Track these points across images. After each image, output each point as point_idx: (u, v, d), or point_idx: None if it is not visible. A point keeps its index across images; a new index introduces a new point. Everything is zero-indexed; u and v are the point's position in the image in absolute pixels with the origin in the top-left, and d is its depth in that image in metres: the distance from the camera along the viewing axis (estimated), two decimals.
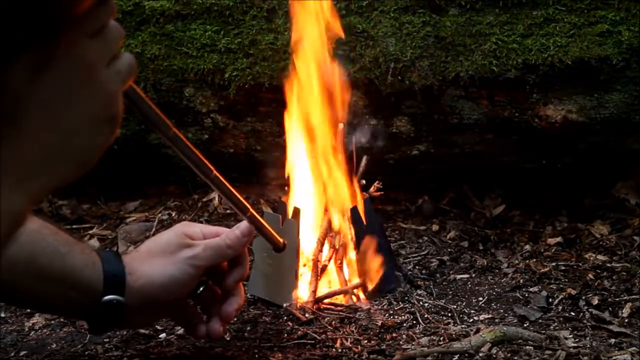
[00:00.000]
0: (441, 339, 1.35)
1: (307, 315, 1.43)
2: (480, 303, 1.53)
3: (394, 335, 1.37)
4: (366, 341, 1.35)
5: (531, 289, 1.58)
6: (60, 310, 1.23)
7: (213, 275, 1.23)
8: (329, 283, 1.57)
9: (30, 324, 1.48)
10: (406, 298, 1.54)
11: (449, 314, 1.47)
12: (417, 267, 1.72)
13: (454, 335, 1.35)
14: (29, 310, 1.52)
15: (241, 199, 1.18)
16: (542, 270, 1.66)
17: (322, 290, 1.53)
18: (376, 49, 1.90)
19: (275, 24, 1.96)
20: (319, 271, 1.52)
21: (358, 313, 1.46)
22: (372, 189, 1.65)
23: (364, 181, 1.62)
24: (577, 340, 1.35)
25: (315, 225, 1.59)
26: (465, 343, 1.30)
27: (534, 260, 1.73)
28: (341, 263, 1.56)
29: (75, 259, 1.10)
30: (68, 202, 2.17)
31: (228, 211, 2.05)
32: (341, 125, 1.61)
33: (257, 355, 1.30)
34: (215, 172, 1.10)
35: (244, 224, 1.22)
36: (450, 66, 1.87)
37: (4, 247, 0.68)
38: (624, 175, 1.99)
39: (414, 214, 2.05)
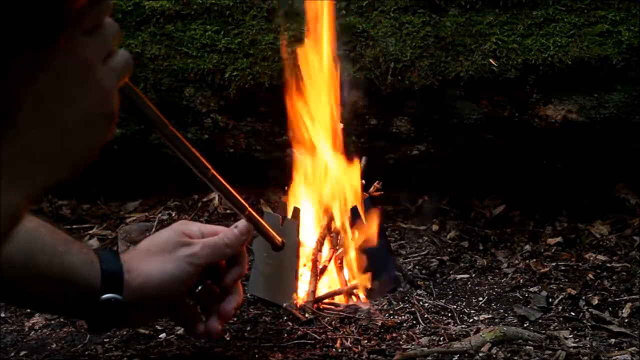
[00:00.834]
0: (441, 339, 1.35)
1: (307, 315, 1.43)
2: (480, 303, 1.53)
3: (394, 335, 1.37)
4: (366, 341, 1.35)
5: (531, 289, 1.58)
6: (59, 310, 1.23)
7: (211, 274, 1.23)
8: (329, 283, 1.57)
9: (30, 324, 1.48)
10: (406, 298, 1.54)
11: (449, 314, 1.47)
12: (417, 267, 1.72)
13: (454, 335, 1.35)
14: (29, 310, 1.52)
15: (239, 198, 1.18)
16: (542, 270, 1.66)
17: (322, 291, 1.53)
18: (376, 49, 1.90)
19: (275, 24, 1.96)
20: (318, 271, 1.52)
21: (358, 313, 1.46)
22: (372, 189, 1.65)
23: (363, 181, 1.62)
24: (577, 340, 1.35)
25: (315, 225, 1.59)
26: (465, 343, 1.30)
27: (534, 260, 1.73)
28: (341, 263, 1.56)
29: (73, 258, 1.10)
30: (68, 202, 2.17)
31: (228, 211, 2.05)
32: (341, 125, 1.61)
33: (257, 355, 1.30)
34: (213, 170, 1.10)
35: (242, 223, 1.22)
36: (450, 66, 1.87)
37: (2, 246, 0.68)
38: (624, 175, 1.99)
39: (414, 214, 2.05)
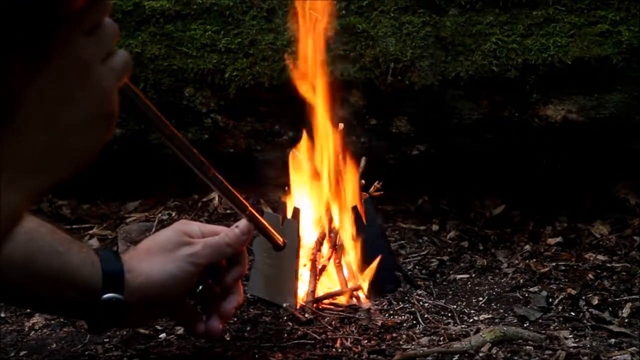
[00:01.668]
0: (441, 339, 1.35)
1: (307, 315, 1.43)
2: (480, 303, 1.53)
3: (394, 335, 1.37)
4: (366, 341, 1.35)
5: (531, 289, 1.58)
6: (59, 310, 1.23)
7: (212, 274, 1.23)
8: (329, 283, 1.57)
9: (30, 324, 1.48)
10: (406, 298, 1.54)
11: (449, 314, 1.47)
12: (417, 267, 1.72)
13: (454, 335, 1.35)
14: (29, 310, 1.52)
15: (240, 197, 1.18)
16: (542, 270, 1.66)
17: (322, 291, 1.53)
18: (376, 49, 1.90)
19: (275, 24, 1.96)
20: (317, 271, 1.52)
21: (358, 313, 1.46)
22: (372, 189, 1.65)
23: (363, 181, 1.62)
24: (577, 340, 1.35)
25: (315, 225, 1.59)
26: (465, 343, 1.30)
27: (534, 260, 1.73)
28: (340, 263, 1.56)
29: (73, 258, 1.10)
30: (68, 202, 2.17)
31: (228, 211, 2.05)
32: (341, 125, 1.61)
33: (257, 355, 1.30)
34: (213, 170, 1.10)
35: (243, 223, 1.22)
36: (450, 66, 1.87)
37: (2, 246, 0.68)
38: (624, 175, 1.99)
39: (414, 214, 2.05)
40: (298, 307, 1.47)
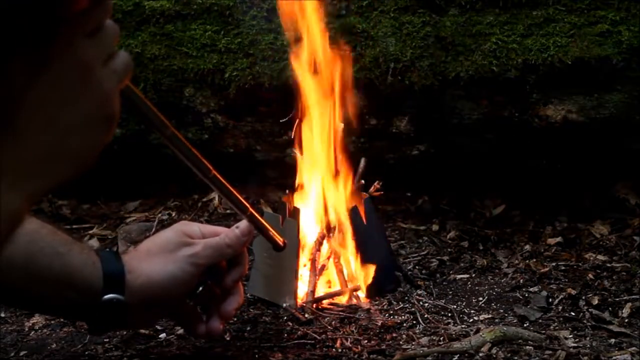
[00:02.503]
0: (441, 339, 1.35)
1: (307, 315, 1.43)
2: (480, 303, 1.53)
3: (394, 335, 1.37)
4: (366, 341, 1.35)
5: (531, 289, 1.58)
6: (59, 311, 1.23)
7: (212, 275, 1.23)
8: (329, 283, 1.57)
9: (30, 324, 1.48)
10: (406, 298, 1.54)
11: (449, 314, 1.47)
12: (417, 267, 1.72)
13: (454, 335, 1.35)
14: (29, 311, 1.52)
15: (240, 198, 1.18)
16: (542, 270, 1.66)
17: (322, 291, 1.53)
18: (376, 49, 1.90)
19: (275, 24, 1.96)
20: (317, 271, 1.52)
21: (358, 313, 1.46)
22: (372, 189, 1.65)
23: (363, 181, 1.62)
24: (577, 340, 1.35)
25: (315, 225, 1.59)
26: (465, 343, 1.30)
27: (534, 260, 1.73)
28: (340, 263, 1.56)
29: (74, 259, 1.10)
30: (68, 202, 2.17)
31: (228, 211, 2.05)
32: (341, 125, 1.61)
33: (257, 355, 1.30)
34: (214, 171, 1.10)
35: (243, 224, 1.22)
36: (450, 66, 1.87)
37: (2, 247, 0.68)
38: (624, 175, 1.99)
39: (414, 214, 2.05)
40: (298, 307, 1.47)
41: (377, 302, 1.52)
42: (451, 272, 1.69)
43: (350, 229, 1.56)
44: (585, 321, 1.43)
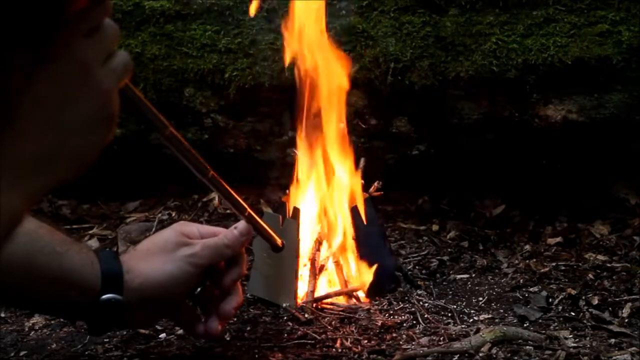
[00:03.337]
0: (441, 339, 1.35)
1: (307, 315, 1.43)
2: (480, 303, 1.53)
3: (394, 335, 1.37)
4: (366, 341, 1.35)
5: (531, 289, 1.58)
6: (59, 311, 1.23)
7: (211, 276, 1.23)
8: (329, 283, 1.57)
9: (30, 324, 1.48)
10: (406, 298, 1.54)
11: (449, 314, 1.47)
12: (417, 267, 1.72)
13: (454, 335, 1.35)
14: (28, 311, 1.52)
15: (239, 198, 1.18)
16: (542, 270, 1.66)
17: (322, 291, 1.53)
18: (376, 49, 1.90)
19: (275, 24, 1.96)
20: (316, 271, 1.52)
21: (358, 313, 1.46)
22: (372, 189, 1.65)
23: (363, 181, 1.62)
24: (577, 340, 1.35)
25: (315, 225, 1.59)
26: (465, 343, 1.30)
27: (534, 260, 1.73)
28: (340, 263, 1.56)
29: (72, 259, 1.10)
30: (68, 202, 2.17)
31: (228, 211, 2.05)
32: (342, 125, 1.61)
33: (257, 355, 1.30)
34: (212, 171, 1.10)
35: (242, 224, 1.22)
36: (450, 66, 1.87)
37: (2, 247, 0.68)
38: (624, 175, 1.99)
39: (414, 214, 2.05)
40: (298, 307, 1.47)
41: (377, 302, 1.52)
42: (451, 272, 1.69)
43: (351, 229, 1.56)
44: (585, 321, 1.43)
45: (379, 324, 1.41)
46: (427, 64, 1.88)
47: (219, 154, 2.05)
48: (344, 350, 1.31)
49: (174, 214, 2.07)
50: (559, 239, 1.85)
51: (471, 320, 1.45)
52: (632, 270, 1.64)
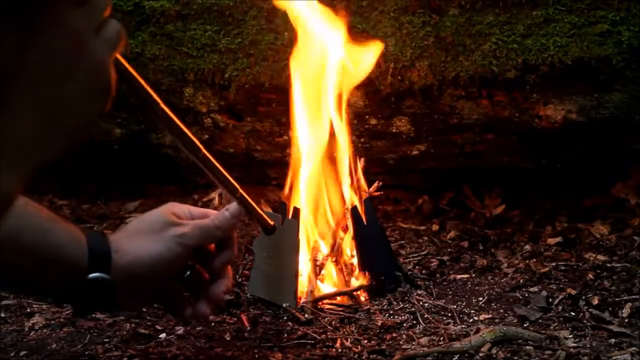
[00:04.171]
0: (441, 339, 1.35)
1: (307, 315, 1.43)
2: (480, 303, 1.53)
3: (394, 335, 1.37)
4: (366, 341, 1.35)
5: (531, 289, 1.58)
6: (45, 291, 1.17)
7: (201, 258, 1.21)
8: (329, 283, 1.57)
9: (30, 324, 1.48)
10: (406, 298, 1.54)
11: (449, 314, 1.47)
12: (417, 267, 1.72)
13: (454, 335, 1.35)
14: (29, 310, 1.52)
15: (230, 179, 1.15)
16: (542, 270, 1.66)
17: (323, 291, 1.53)
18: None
19: (275, 24, 1.96)
20: (317, 271, 1.52)
21: (358, 313, 1.46)
22: (372, 189, 1.65)
23: (362, 181, 1.62)
24: (577, 340, 1.35)
25: (315, 225, 1.59)
26: (465, 343, 1.30)
27: (534, 260, 1.73)
28: (340, 263, 1.56)
29: (59, 236, 1.07)
30: (68, 202, 2.17)
31: None
32: (341, 125, 1.61)
33: (257, 355, 1.30)
34: (203, 150, 1.08)
35: (233, 206, 1.20)
36: (450, 66, 1.87)
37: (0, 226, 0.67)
38: (624, 175, 1.99)
39: (414, 214, 2.05)
40: (298, 307, 1.47)
41: (377, 302, 1.52)
42: (451, 272, 1.69)
43: (351, 229, 1.56)
44: (585, 321, 1.43)
45: (379, 324, 1.41)
46: (427, 64, 1.88)
47: (219, 154, 2.05)
48: (344, 350, 1.31)
49: None
50: (559, 239, 1.85)
51: (471, 320, 1.45)
52: (632, 270, 1.64)
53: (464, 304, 1.53)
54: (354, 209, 1.56)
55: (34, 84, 0.67)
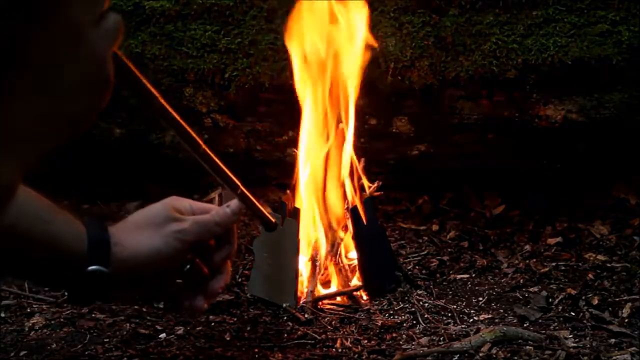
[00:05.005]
0: (441, 339, 1.35)
1: (307, 315, 1.43)
2: (480, 303, 1.53)
3: (394, 335, 1.37)
4: (366, 341, 1.35)
5: (531, 289, 1.58)
6: (43, 279, 1.17)
7: (200, 254, 1.21)
8: (329, 283, 1.57)
9: (30, 324, 1.48)
10: (406, 298, 1.54)
11: (449, 314, 1.47)
12: (417, 267, 1.72)
13: (454, 335, 1.35)
14: (29, 310, 1.52)
15: (231, 175, 1.15)
16: (542, 270, 1.66)
17: (323, 291, 1.53)
18: (376, 49, 1.90)
19: (275, 24, 1.96)
20: (317, 271, 1.52)
21: (358, 313, 1.46)
22: (372, 189, 1.65)
23: (363, 181, 1.62)
24: (577, 340, 1.35)
25: (315, 225, 1.59)
26: (465, 343, 1.30)
27: (534, 260, 1.73)
28: (340, 263, 1.56)
29: (58, 226, 1.07)
30: (68, 202, 2.17)
31: None
32: (341, 125, 1.61)
33: (257, 355, 1.30)
34: (203, 146, 1.08)
35: (234, 202, 1.20)
36: (450, 66, 1.87)
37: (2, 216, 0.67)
38: (624, 175, 1.99)
39: (414, 214, 2.05)
40: (298, 307, 1.47)
41: (377, 302, 1.52)
42: (451, 272, 1.69)
43: (351, 229, 1.56)
44: (585, 321, 1.43)
45: (379, 324, 1.41)
46: (427, 64, 1.88)
47: (219, 154, 2.03)
48: (344, 350, 1.31)
49: None
50: (559, 239, 1.85)
51: (471, 320, 1.45)
52: (632, 270, 1.64)
53: (464, 304, 1.53)
54: (354, 209, 1.56)
55: (33, 72, 0.67)
